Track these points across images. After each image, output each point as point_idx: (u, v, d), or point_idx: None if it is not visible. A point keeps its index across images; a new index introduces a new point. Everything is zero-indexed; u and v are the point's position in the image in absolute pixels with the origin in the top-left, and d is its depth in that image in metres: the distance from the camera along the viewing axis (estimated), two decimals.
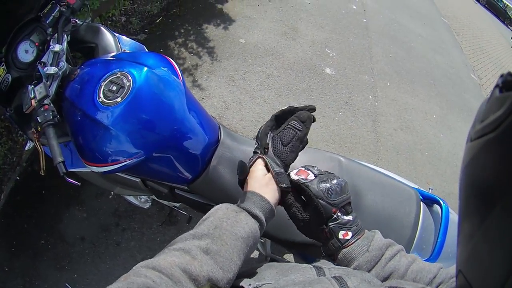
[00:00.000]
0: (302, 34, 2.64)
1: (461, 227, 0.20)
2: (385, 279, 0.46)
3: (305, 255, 1.11)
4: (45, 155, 0.85)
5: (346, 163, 0.98)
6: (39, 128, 0.77)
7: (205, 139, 0.89)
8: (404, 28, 3.45)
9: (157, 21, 2.27)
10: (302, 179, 0.52)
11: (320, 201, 0.50)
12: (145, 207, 1.37)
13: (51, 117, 0.75)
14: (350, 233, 0.50)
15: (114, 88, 0.78)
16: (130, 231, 1.73)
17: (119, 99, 0.77)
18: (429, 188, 1.15)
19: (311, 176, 0.52)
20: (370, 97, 2.39)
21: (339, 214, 0.50)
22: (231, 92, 2.03)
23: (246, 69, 2.19)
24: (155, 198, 1.22)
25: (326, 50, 2.58)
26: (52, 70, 0.82)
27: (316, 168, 0.54)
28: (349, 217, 0.51)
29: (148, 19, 2.26)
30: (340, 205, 0.51)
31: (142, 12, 2.24)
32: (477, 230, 0.17)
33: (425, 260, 0.93)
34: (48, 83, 0.81)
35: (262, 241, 1.35)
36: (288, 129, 0.55)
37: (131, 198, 1.33)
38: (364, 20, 3.15)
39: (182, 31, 2.27)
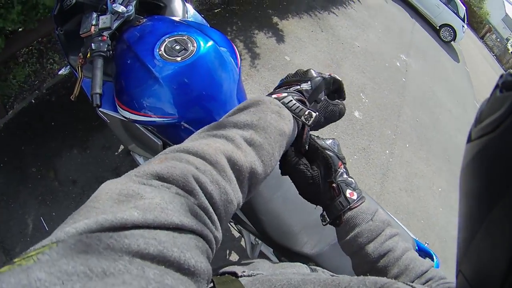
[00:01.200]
0: (343, 72, 2.71)
1: (461, 227, 0.20)
2: (380, 256, 0.44)
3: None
4: (79, 85, 0.85)
5: None
6: (88, 55, 0.78)
7: None
8: (437, 99, 3.53)
9: (216, 11, 2.35)
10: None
11: (328, 152, 0.48)
12: None
13: (105, 49, 0.77)
14: (355, 194, 0.48)
15: (178, 47, 0.79)
16: None
17: (178, 59, 0.78)
18: (426, 242, 1.18)
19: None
20: (387, 151, 2.42)
21: (344, 170, 0.49)
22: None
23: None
24: None
25: (361, 94, 2.64)
26: (120, 8, 0.83)
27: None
28: (352, 179, 0.49)
29: (208, 6, 2.34)
30: (344, 160, 0.50)
31: None
32: (477, 230, 0.17)
33: None
34: (113, 18, 0.83)
35: (254, 243, 1.35)
36: (336, 107, 0.49)
37: (140, 159, 1.32)
38: (404, 79, 3.24)
39: (235, 28, 2.34)
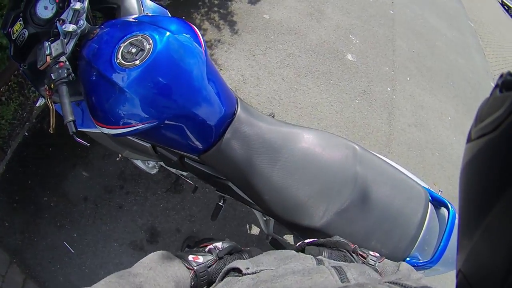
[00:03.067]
0: (328, 17, 2.55)
1: (461, 226, 0.20)
2: None
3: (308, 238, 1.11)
4: (56, 113, 0.83)
5: (361, 153, 0.96)
6: (52, 85, 0.76)
7: (221, 111, 0.87)
8: (430, 26, 3.33)
9: None
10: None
11: (336, 239, 0.58)
12: (152, 173, 1.36)
13: (66, 74, 0.74)
14: (377, 253, 0.57)
15: (134, 50, 0.76)
16: (133, 195, 1.73)
17: (137, 62, 0.75)
18: (439, 190, 1.14)
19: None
20: (389, 89, 2.33)
21: (357, 246, 0.57)
22: (250, 66, 1.98)
23: (268, 45, 2.12)
24: (163, 165, 1.20)
25: (350, 36, 2.50)
26: (70, 27, 0.80)
27: None
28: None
29: None
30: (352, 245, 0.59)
31: None
32: (477, 230, 0.17)
33: (425, 262, 0.90)
34: (65, 40, 0.80)
35: (265, 219, 1.34)
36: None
37: (138, 163, 1.32)
38: (391, 11, 3.04)
39: (207, 1, 2.19)
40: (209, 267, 0.52)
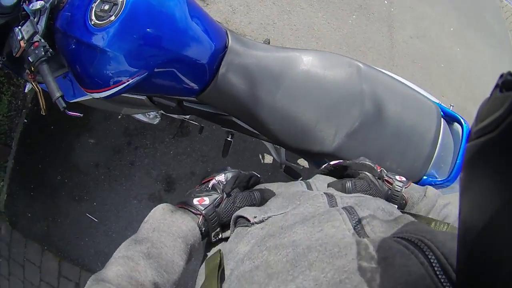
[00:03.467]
0: None
1: (461, 225, 0.20)
2: None
3: (322, 163, 1.10)
4: (44, 93, 0.82)
5: (366, 70, 0.90)
6: (33, 68, 0.74)
7: (212, 46, 0.83)
8: None
9: None
10: None
11: (363, 161, 0.56)
12: (154, 123, 1.35)
13: (43, 53, 0.72)
14: (403, 177, 0.55)
15: (106, 7, 0.73)
16: (142, 149, 1.72)
17: (112, 18, 0.71)
18: (450, 105, 1.08)
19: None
20: (386, 1, 2.18)
21: (384, 169, 0.56)
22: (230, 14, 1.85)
23: None
24: (164, 113, 1.17)
25: None
26: (38, 4, 0.76)
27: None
28: (396, 175, 0.57)
29: None
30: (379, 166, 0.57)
31: None
32: (478, 229, 0.17)
33: (442, 181, 0.89)
34: (35, 19, 0.77)
35: (276, 148, 1.32)
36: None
37: (139, 116, 1.30)
38: None
39: None
40: (217, 206, 0.47)
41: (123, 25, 0.71)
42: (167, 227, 0.42)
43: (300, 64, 0.88)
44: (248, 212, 0.43)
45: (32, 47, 0.73)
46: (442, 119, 0.93)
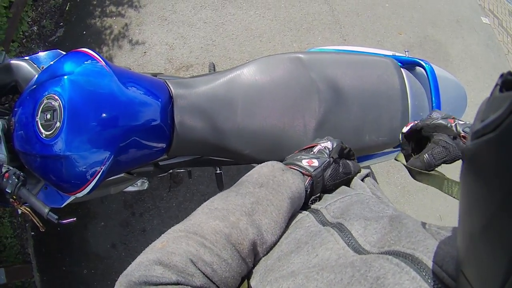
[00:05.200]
0: None
1: (461, 226, 0.20)
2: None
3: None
4: (35, 212, 0.82)
5: (307, 58, 0.90)
6: (14, 196, 0.75)
7: (158, 104, 0.84)
8: None
9: (67, 9, 2.06)
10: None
11: (436, 121, 0.53)
12: (145, 188, 1.36)
13: (16, 180, 0.74)
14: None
15: (48, 116, 0.74)
16: (147, 213, 1.74)
17: (58, 124, 0.73)
18: (405, 51, 1.06)
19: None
20: None
21: (458, 119, 0.53)
22: (169, 31, 1.86)
23: (173, 1, 1.93)
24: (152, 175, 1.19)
25: None
26: None
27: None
28: (468, 122, 0.54)
29: (58, 12, 2.06)
30: (451, 116, 0.55)
31: (49, 11, 2.06)
32: (477, 230, 0.17)
33: None
34: None
35: None
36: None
37: (129, 188, 1.31)
38: None
39: (95, 2, 1.99)
40: (324, 170, 0.46)
41: (70, 125, 0.73)
42: (277, 185, 0.39)
43: (244, 80, 0.88)
44: None
45: (4, 179, 0.74)
46: (401, 69, 0.92)
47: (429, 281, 0.24)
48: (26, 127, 0.77)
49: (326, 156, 0.48)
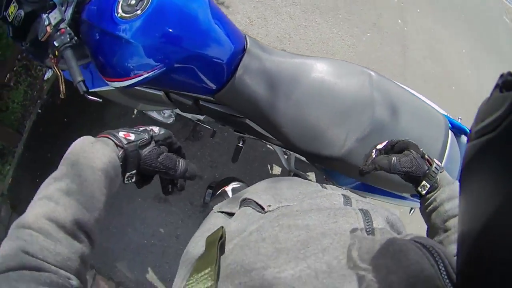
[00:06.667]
0: None
1: (461, 226, 0.20)
2: (453, 216, 0.51)
3: (330, 172, 1.09)
4: (65, 79, 0.86)
5: (377, 79, 0.92)
6: (56, 53, 0.77)
7: (231, 48, 0.86)
8: None
9: None
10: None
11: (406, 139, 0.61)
12: (168, 122, 1.36)
13: (68, 39, 0.76)
14: (438, 161, 0.58)
15: (133, 2, 0.77)
16: None
17: (139, 12, 0.76)
18: (458, 118, 1.09)
19: None
20: (399, 21, 2.22)
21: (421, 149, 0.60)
22: (255, 8, 1.91)
23: None
24: (179, 112, 1.20)
25: None
26: None
27: None
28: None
29: None
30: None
31: None
32: (478, 229, 0.17)
33: None
34: (63, 8, 0.81)
35: (286, 156, 1.33)
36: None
37: (154, 114, 1.32)
38: None
39: None
40: (141, 148, 0.45)
41: (148, 19, 0.75)
42: (86, 160, 0.39)
43: (314, 71, 0.91)
44: (262, 198, 0.42)
45: (58, 33, 0.76)
46: (450, 131, 0.94)
47: (443, 275, 0.24)
48: (105, 2, 0.80)
49: (148, 136, 0.46)
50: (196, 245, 0.43)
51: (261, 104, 0.89)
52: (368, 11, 2.12)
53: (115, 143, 0.43)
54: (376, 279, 0.24)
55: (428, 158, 0.57)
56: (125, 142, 0.43)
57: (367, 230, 0.32)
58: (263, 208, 0.41)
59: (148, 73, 0.79)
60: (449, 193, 0.54)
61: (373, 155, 0.61)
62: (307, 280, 0.26)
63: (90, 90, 0.87)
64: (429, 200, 0.56)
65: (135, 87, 0.91)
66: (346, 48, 1.99)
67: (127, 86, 0.82)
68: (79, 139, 0.42)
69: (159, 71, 0.79)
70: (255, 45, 0.93)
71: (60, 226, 0.33)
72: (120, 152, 0.43)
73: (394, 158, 0.56)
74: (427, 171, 0.56)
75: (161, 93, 0.96)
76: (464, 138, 0.99)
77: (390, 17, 2.20)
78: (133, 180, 0.46)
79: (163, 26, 0.77)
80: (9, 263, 0.28)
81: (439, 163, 0.58)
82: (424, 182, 0.56)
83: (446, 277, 0.24)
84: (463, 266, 0.20)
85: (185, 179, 0.51)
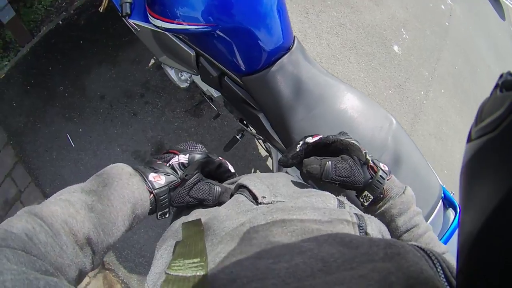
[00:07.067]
0: (387, 4, 2.48)
1: (461, 225, 0.20)
2: (407, 231, 0.46)
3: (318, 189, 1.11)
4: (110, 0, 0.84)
5: (397, 127, 0.95)
6: None
7: (279, 41, 0.87)
8: (478, 52, 3.25)
9: None
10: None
11: (349, 140, 0.48)
12: (181, 86, 1.34)
13: None
14: (386, 166, 0.48)
15: None
16: (151, 106, 1.72)
17: None
18: (452, 192, 1.13)
19: None
20: (422, 92, 2.30)
21: (366, 151, 0.49)
22: (300, 22, 1.95)
23: (323, 8, 2.08)
24: (196, 81, 1.18)
25: (402, 30, 2.43)
26: None
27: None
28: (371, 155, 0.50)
29: None
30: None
31: None
32: (477, 229, 0.17)
33: None
34: None
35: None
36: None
37: (172, 72, 1.29)
38: (447, 23, 2.94)
39: None
40: (172, 189, 0.44)
41: None
42: (120, 188, 0.39)
43: (343, 97, 0.93)
44: (257, 187, 0.41)
45: None
46: (441, 200, 0.97)
47: (442, 278, 0.24)
48: None
49: (179, 174, 0.45)
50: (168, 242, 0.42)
51: (282, 104, 0.90)
52: (399, 72, 2.20)
53: (146, 187, 0.42)
54: (374, 280, 0.23)
55: (373, 164, 0.47)
56: (156, 186, 0.43)
57: (361, 233, 0.32)
58: (256, 198, 0.40)
59: (191, 25, 0.79)
60: (400, 207, 0.46)
61: (298, 147, 0.49)
62: (302, 276, 0.24)
63: (130, 20, 0.87)
64: (376, 213, 0.47)
65: (171, 37, 0.90)
66: (365, 94, 2.04)
67: (167, 29, 0.82)
68: (119, 163, 0.42)
69: (202, 29, 0.79)
70: (300, 49, 0.94)
71: (72, 233, 0.32)
72: (150, 196, 0.42)
73: (328, 164, 0.44)
74: (370, 181, 0.46)
75: (193, 52, 0.95)
76: (450, 212, 1.02)
77: (416, 85, 2.28)
78: (166, 216, 0.46)
79: None
80: (10, 242, 0.26)
81: (386, 168, 0.48)
82: (366, 193, 0.46)
83: (444, 279, 0.24)
84: (463, 265, 0.19)
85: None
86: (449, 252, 0.45)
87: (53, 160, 1.54)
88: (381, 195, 0.47)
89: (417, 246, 0.27)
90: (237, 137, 1.28)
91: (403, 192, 0.47)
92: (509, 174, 0.14)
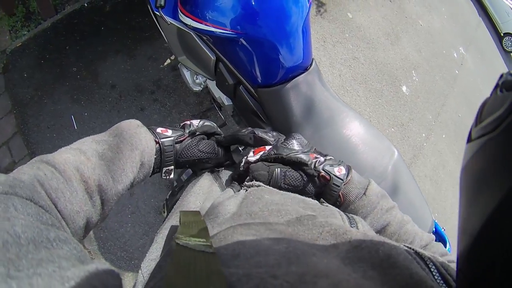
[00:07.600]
0: (401, 45, 2.56)
1: (460, 226, 0.20)
2: (378, 232, 0.44)
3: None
4: None
5: (398, 159, 0.97)
6: None
7: (299, 60, 0.90)
8: None
9: None
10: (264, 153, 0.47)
11: (295, 155, 0.45)
12: (194, 89, 1.35)
13: None
14: (343, 169, 0.46)
15: None
16: (160, 105, 1.73)
17: None
18: (443, 228, 1.15)
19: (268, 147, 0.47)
20: (424, 135, 2.34)
21: (318, 155, 0.46)
22: (316, 49, 2.01)
23: (340, 40, 2.15)
24: (209, 87, 1.19)
25: (413, 71, 2.51)
26: None
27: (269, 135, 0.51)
28: (328, 156, 0.47)
29: None
30: (312, 149, 0.48)
31: None
32: (477, 229, 0.17)
33: None
34: None
35: None
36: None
37: (187, 74, 1.31)
38: (457, 71, 3.04)
39: None
40: (177, 142, 0.46)
41: None
42: (129, 136, 0.40)
43: (351, 123, 0.95)
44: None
45: None
46: (432, 234, 1.01)
47: (436, 277, 0.24)
48: None
49: (187, 130, 0.48)
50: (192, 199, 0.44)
51: (292, 120, 0.92)
52: (404, 112, 2.25)
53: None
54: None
55: (325, 173, 0.44)
56: (162, 137, 0.45)
57: (353, 227, 0.32)
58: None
59: (217, 28, 0.81)
60: (362, 210, 0.45)
61: (251, 157, 0.47)
62: (301, 254, 0.25)
63: (162, 14, 0.87)
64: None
65: (195, 38, 0.93)
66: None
67: (195, 28, 0.84)
68: (127, 120, 0.44)
69: (226, 34, 0.82)
70: (317, 71, 0.97)
71: (83, 180, 0.33)
72: (156, 146, 0.44)
73: (277, 171, 0.44)
74: (323, 189, 0.45)
75: (213, 57, 0.97)
76: (429, 234, 1.06)
77: (418, 127, 2.33)
78: (171, 176, 0.46)
79: (261, 2, 0.79)
80: (18, 190, 0.26)
81: (342, 172, 0.45)
82: (322, 200, 0.45)
83: (440, 278, 0.24)
84: (463, 265, 0.19)
85: (226, 165, 0.49)
86: (434, 242, 0.44)
87: (52, 138, 1.54)
88: (338, 202, 0.45)
89: (409, 248, 0.27)
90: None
91: (364, 194, 0.45)
92: (509, 174, 0.14)
